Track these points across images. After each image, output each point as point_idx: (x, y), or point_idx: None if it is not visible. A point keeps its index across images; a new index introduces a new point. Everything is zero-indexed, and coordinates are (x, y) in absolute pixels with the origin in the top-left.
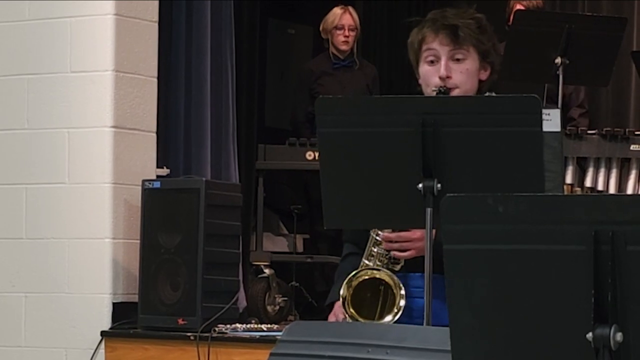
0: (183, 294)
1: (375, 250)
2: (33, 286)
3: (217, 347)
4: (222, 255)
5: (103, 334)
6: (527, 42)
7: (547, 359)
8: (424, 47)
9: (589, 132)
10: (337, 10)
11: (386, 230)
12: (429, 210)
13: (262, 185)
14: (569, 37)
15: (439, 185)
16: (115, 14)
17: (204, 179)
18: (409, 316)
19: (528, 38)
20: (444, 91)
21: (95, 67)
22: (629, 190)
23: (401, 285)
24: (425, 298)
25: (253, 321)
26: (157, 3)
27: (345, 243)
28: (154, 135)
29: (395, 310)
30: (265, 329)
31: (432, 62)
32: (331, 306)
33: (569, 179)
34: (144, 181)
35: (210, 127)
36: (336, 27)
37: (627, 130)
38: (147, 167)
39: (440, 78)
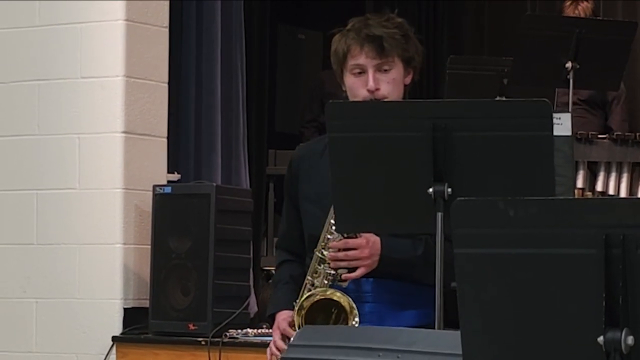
0: (194, 299)
1: (321, 267)
2: (44, 292)
3: (229, 352)
4: (233, 261)
5: (114, 339)
6: (537, 47)
7: None
8: (350, 58)
9: (600, 136)
10: None
11: (332, 250)
12: (439, 214)
13: (272, 190)
14: (579, 42)
15: (449, 190)
16: (126, 20)
17: (214, 184)
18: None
19: (538, 42)
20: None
21: (105, 73)
22: None
23: (356, 312)
24: (436, 302)
25: (264, 326)
26: (167, 8)
27: (279, 250)
28: (165, 140)
29: None
30: None
31: (359, 73)
32: (273, 316)
33: (580, 184)
34: (154, 186)
35: (221, 132)
36: None
37: (638, 134)
38: (157, 172)
39: (369, 91)
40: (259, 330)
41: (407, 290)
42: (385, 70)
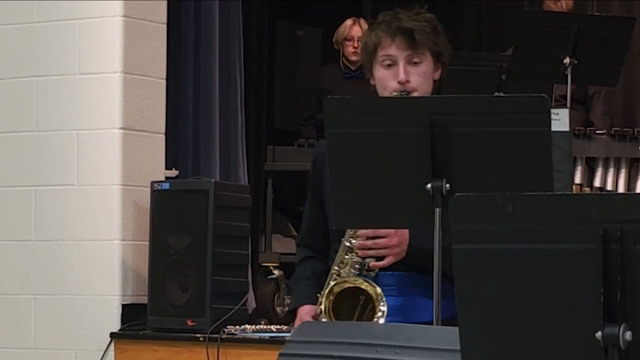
0: (192, 296)
1: (348, 257)
2: (42, 288)
3: (227, 348)
4: (231, 257)
5: (112, 335)
6: (536, 43)
7: (556, 358)
8: (380, 50)
9: (598, 132)
10: (347, 22)
11: (360, 238)
12: (437, 210)
13: (271, 186)
14: (577, 37)
15: (447, 186)
16: (124, 16)
17: (212, 180)
18: None
19: (536, 38)
20: (404, 95)
21: (103, 69)
22: (638, 190)
23: (384, 302)
24: (434, 298)
25: (262, 322)
26: (165, 4)
27: (300, 247)
28: (163, 136)
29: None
30: (274, 329)
31: (389, 65)
32: (294, 312)
33: (578, 179)
34: (152, 183)
35: (219, 128)
36: (346, 39)
37: (636, 130)
38: (156, 168)
39: (400, 83)
40: (257, 327)
41: (430, 283)
42: (416, 63)
